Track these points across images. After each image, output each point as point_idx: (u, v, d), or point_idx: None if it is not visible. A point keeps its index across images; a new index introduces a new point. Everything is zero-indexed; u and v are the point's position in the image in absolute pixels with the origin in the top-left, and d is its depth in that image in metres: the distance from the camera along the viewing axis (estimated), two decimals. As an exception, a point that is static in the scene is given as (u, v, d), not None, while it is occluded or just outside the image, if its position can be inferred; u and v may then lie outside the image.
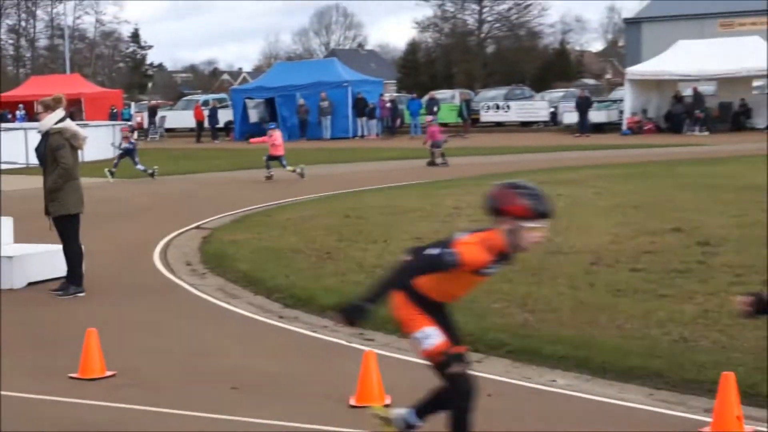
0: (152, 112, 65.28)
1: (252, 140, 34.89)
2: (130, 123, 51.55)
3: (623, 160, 33.37)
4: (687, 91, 52.29)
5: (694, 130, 49.47)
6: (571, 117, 54.78)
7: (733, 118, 51.77)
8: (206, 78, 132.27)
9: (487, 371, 9.43)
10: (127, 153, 30.83)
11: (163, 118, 64.77)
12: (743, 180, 23.85)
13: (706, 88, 51.92)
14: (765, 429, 7.62)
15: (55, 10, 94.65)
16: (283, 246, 16.40)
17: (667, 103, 53.18)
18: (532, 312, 11.13)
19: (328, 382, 9.13)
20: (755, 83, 53.33)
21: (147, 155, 36.01)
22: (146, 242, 17.65)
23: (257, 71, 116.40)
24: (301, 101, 55.44)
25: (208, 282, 14.30)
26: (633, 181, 24.70)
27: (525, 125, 60.66)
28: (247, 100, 59.05)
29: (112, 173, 30.49)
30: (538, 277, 12.83)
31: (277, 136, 29.56)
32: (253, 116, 59.33)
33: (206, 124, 58.47)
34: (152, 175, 30.55)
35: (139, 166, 30.61)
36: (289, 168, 28.68)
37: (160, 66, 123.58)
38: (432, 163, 33.30)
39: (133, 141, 31.94)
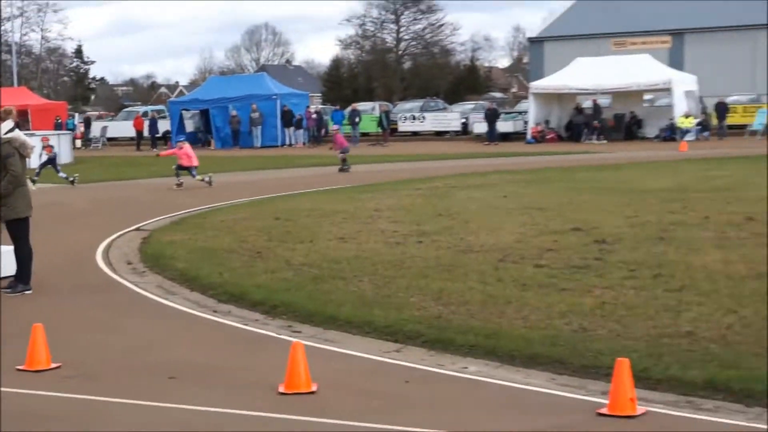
0: (87, 122, 65.25)
1: (161, 153, 34.67)
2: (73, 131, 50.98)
3: (528, 166, 33.59)
4: (586, 104, 52.85)
5: (591, 139, 49.99)
6: (480, 127, 55.03)
7: (626, 128, 52.37)
8: (145, 91, 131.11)
9: (405, 360, 9.45)
10: (50, 162, 30.50)
11: (105, 128, 64.22)
12: (635, 184, 24.13)
13: (602, 101, 52.47)
14: (657, 410, 7.69)
15: (3, 28, 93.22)
16: (218, 246, 16.30)
17: (568, 114, 53.67)
18: (445, 305, 11.15)
19: (258, 372, 9.07)
20: (646, 96, 54.00)
21: (90, 163, 35.69)
22: (89, 244, 17.43)
23: (193, 85, 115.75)
24: (234, 112, 55.24)
25: (147, 280, 14.17)
26: (537, 186, 24.87)
27: (439, 134, 60.90)
28: (183, 112, 58.74)
29: (33, 181, 30.05)
30: (451, 273, 12.86)
31: (186, 148, 29.28)
32: (189, 126, 59.07)
33: (146, 133, 58.07)
34: (72, 182, 30.23)
35: (61, 174, 30.28)
36: (198, 177, 28.38)
37: (102, 80, 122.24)
38: (344, 169, 33.53)
39: (55, 152, 31.61)
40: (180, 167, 28.70)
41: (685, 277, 11.91)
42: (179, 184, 28.56)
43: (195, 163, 28.77)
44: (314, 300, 11.75)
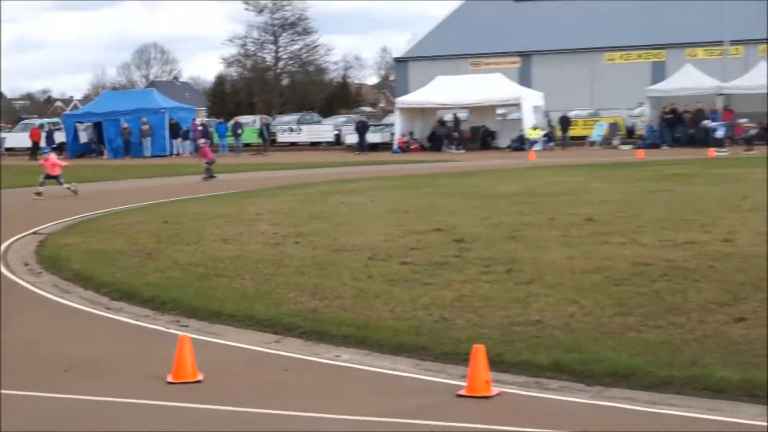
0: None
1: (41, 162, 33.63)
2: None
3: (394, 173, 33.73)
4: (447, 117, 53.35)
5: (451, 149, 50.50)
6: (352, 138, 55.16)
7: (481, 140, 53.07)
8: (42, 105, 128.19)
9: (284, 349, 9.42)
10: None
11: (3, 139, 62.71)
12: (490, 189, 24.41)
13: (460, 115, 53.04)
14: (510, 390, 7.79)
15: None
16: (110, 248, 15.99)
17: (430, 126, 54.08)
18: (320, 300, 11.14)
19: (148, 363, 8.94)
20: (498, 111, 54.77)
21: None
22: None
23: (87, 99, 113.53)
24: (125, 125, 54.44)
25: (44, 280, 13.84)
26: (402, 191, 24.98)
27: (314, 145, 60.91)
28: (77, 124, 57.68)
29: None
30: (325, 271, 12.84)
31: (51, 158, 28.48)
32: (83, 137, 58.10)
33: (43, 144, 56.79)
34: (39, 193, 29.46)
35: None
36: (65, 185, 27.59)
37: (0, 94, 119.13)
38: (208, 178, 32.91)
39: None
40: (47, 176, 27.78)
41: (534, 272, 12.09)
42: (38, 194, 27.51)
43: (59, 172, 27.80)
44: (200, 296, 11.63)
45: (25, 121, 72.15)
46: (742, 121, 47.76)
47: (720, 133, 46.61)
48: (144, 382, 8.28)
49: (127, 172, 39.49)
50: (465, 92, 51.43)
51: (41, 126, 60.50)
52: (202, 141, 37.76)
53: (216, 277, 12.85)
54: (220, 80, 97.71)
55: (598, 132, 51.73)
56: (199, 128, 56.92)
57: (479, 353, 7.69)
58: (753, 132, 47.19)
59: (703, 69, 52.17)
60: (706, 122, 47.10)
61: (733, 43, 58.86)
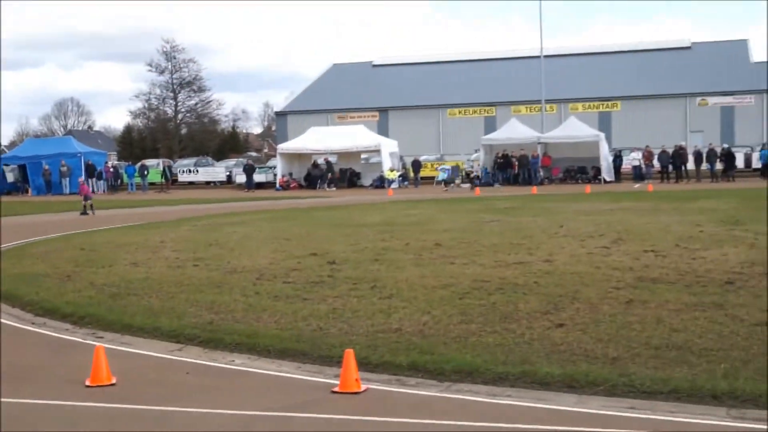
0: None
1: None
2: None
3: (277, 207, 33.54)
4: (320, 160, 53.33)
5: (324, 187, 50.48)
6: (241, 178, 54.68)
7: (348, 179, 53.21)
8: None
9: (186, 356, 9.22)
10: None
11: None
12: (357, 220, 24.48)
13: (331, 159, 53.07)
14: (375, 387, 7.78)
15: None
16: (34, 271, 15.41)
17: (306, 168, 54.03)
18: (216, 313, 10.95)
19: (69, 370, 8.63)
20: (362, 156, 55.12)
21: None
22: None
23: (12, 145, 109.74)
24: (46, 167, 52.90)
25: (-25, 300, 13.25)
26: (284, 222, 24.85)
27: (209, 184, 60.10)
28: (4, 166, 55.84)
29: None
30: (220, 289, 12.64)
31: None
32: (10, 178, 56.26)
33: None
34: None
35: None
36: None
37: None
38: (84, 213, 31.55)
39: None
40: None
41: (393, 288, 12.13)
42: None
43: None
44: (113, 312, 11.30)
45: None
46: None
47: (540, 174, 47.89)
48: (65, 386, 7.98)
49: (48, 207, 38.23)
50: (334, 140, 51.71)
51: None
52: (81, 179, 35.96)
53: (127, 295, 12.51)
54: (128, 129, 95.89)
55: (443, 173, 52.53)
56: (111, 170, 55.73)
57: (350, 356, 7.68)
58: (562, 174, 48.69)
59: (525, 122, 53.57)
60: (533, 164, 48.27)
61: (548, 101, 60.69)
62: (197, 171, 61.03)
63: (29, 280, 14.47)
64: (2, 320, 11.56)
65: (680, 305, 10.27)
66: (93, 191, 53.14)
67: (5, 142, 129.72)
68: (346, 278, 13.20)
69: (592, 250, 15.44)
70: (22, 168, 55.48)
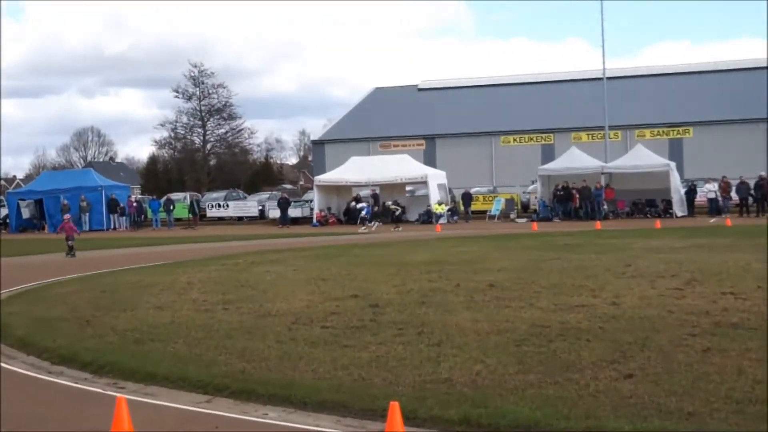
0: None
1: None
2: None
3: (314, 244, 33.66)
4: (363, 193, 53.41)
5: (365, 223, 50.51)
6: (275, 213, 54.97)
7: (392, 214, 53.13)
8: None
9: (215, 409, 9.24)
10: None
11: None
12: (401, 258, 24.44)
13: (372, 191, 53.11)
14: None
15: None
16: (52, 315, 15.61)
17: (345, 202, 54.17)
18: (248, 361, 10.97)
19: (88, 423, 8.69)
20: (408, 188, 55.14)
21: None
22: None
23: (28, 178, 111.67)
24: (65, 201, 53.61)
25: (-13, 347, 13.43)
26: (321, 261, 24.90)
27: (240, 219, 60.51)
28: (20, 201, 56.70)
29: None
30: (252, 335, 12.68)
31: None
32: (26, 213, 57.11)
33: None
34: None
35: None
36: None
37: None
38: (71, 254, 30.72)
39: None
40: None
41: (443, 334, 12.07)
42: None
43: None
44: (136, 360, 11.38)
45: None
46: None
47: (604, 208, 47.58)
48: (84, 442, 8.03)
49: (66, 245, 38.69)
50: (376, 171, 51.76)
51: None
52: (66, 216, 34.84)
53: (151, 341, 12.60)
54: (153, 160, 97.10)
55: (496, 207, 52.38)
56: (134, 204, 56.35)
57: (395, 409, 7.61)
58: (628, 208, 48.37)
59: (586, 150, 53.28)
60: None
61: (612, 127, 60.40)
62: (227, 205, 61.52)
63: (46, 324, 14.64)
64: (17, 369, 11.70)
65: (763, 354, 10.09)
66: (114, 227, 53.89)
67: (20, 174, 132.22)
68: (391, 323, 13.16)
69: (664, 292, 15.26)
70: (39, 203, 56.30)
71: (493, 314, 13.57)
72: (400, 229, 44.56)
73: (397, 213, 47.37)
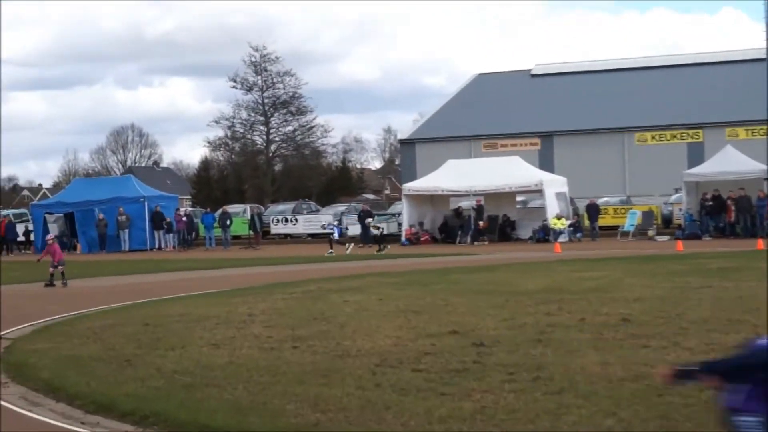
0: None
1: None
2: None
3: (402, 268, 33.72)
4: (465, 204, 53.34)
5: (466, 241, 50.45)
6: (354, 229, 55.23)
7: (499, 230, 53.01)
8: (7, 194, 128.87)
9: (283, 470, 9.31)
10: None
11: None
12: (511, 286, 24.34)
13: (472, 203, 53.03)
14: None
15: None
16: (84, 354, 15.92)
17: (441, 215, 54.19)
18: (323, 412, 11.03)
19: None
20: (519, 198, 54.88)
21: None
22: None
23: (57, 187, 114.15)
24: (101, 216, 54.57)
25: (10, 391, 13.74)
26: (412, 288, 24.94)
27: (312, 237, 60.86)
28: (47, 215, 57.72)
29: None
30: (328, 379, 12.76)
31: None
32: (54, 230, 57.99)
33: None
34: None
35: None
36: None
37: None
38: (50, 284, 30.63)
39: None
40: None
41: (564, 380, 12.00)
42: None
43: None
44: (187, 408, 11.52)
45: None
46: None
47: None
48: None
49: (102, 268, 39.51)
50: (480, 177, 51.54)
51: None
52: (49, 237, 34.82)
53: (204, 386, 12.75)
54: (205, 165, 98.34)
55: (630, 221, 51.80)
56: (184, 219, 57.11)
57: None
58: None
59: (745, 150, 52.33)
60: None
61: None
62: (296, 220, 62.09)
63: (77, 365, 14.94)
64: (45, 418, 11.94)
65: None
66: (159, 246, 54.72)
67: (47, 183, 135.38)
68: (499, 365, 13.12)
69: None
70: (70, 217, 57.33)
71: (628, 356, 13.44)
72: (385, 250, 45.26)
73: (378, 233, 48.10)
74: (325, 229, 53.19)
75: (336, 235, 49.59)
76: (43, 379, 14.02)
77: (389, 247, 46.56)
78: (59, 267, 30.96)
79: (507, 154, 62.52)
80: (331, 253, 45.87)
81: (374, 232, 49.16)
